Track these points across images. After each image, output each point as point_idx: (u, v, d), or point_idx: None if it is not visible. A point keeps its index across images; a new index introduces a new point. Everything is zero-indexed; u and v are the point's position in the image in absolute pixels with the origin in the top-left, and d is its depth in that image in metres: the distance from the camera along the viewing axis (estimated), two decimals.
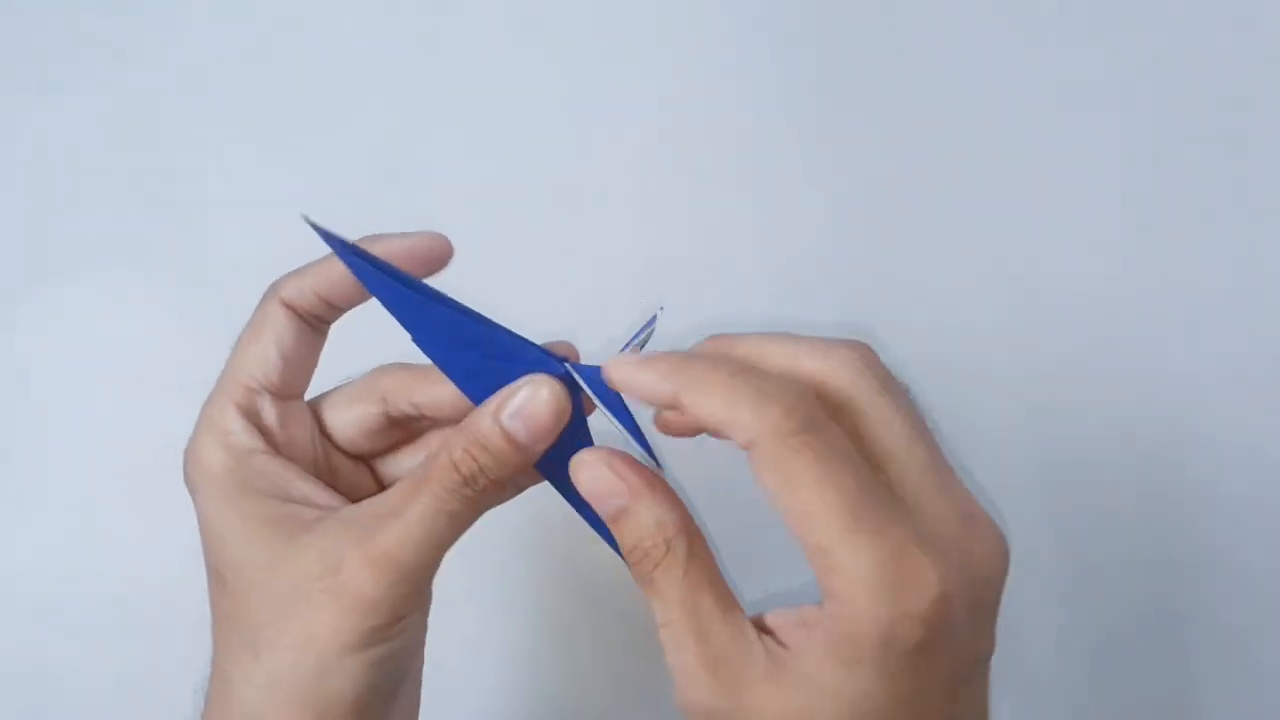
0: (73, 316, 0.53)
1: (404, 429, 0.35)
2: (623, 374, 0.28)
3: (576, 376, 0.30)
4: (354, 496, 0.32)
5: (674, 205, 0.55)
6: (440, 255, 0.33)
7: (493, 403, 0.29)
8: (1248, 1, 0.56)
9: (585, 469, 0.28)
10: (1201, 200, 0.55)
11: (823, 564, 0.25)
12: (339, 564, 0.28)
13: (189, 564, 0.52)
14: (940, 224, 0.55)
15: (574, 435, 0.30)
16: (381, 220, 0.58)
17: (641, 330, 0.31)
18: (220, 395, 0.32)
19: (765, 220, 0.56)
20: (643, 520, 0.28)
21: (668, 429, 0.30)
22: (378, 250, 0.32)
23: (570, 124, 0.56)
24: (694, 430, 0.29)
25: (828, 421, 0.26)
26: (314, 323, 0.33)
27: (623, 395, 0.30)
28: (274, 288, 0.33)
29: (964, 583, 0.25)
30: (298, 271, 0.33)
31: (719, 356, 0.29)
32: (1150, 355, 0.55)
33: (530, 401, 0.29)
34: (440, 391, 0.32)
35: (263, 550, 0.29)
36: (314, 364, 0.34)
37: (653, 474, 0.29)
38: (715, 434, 0.28)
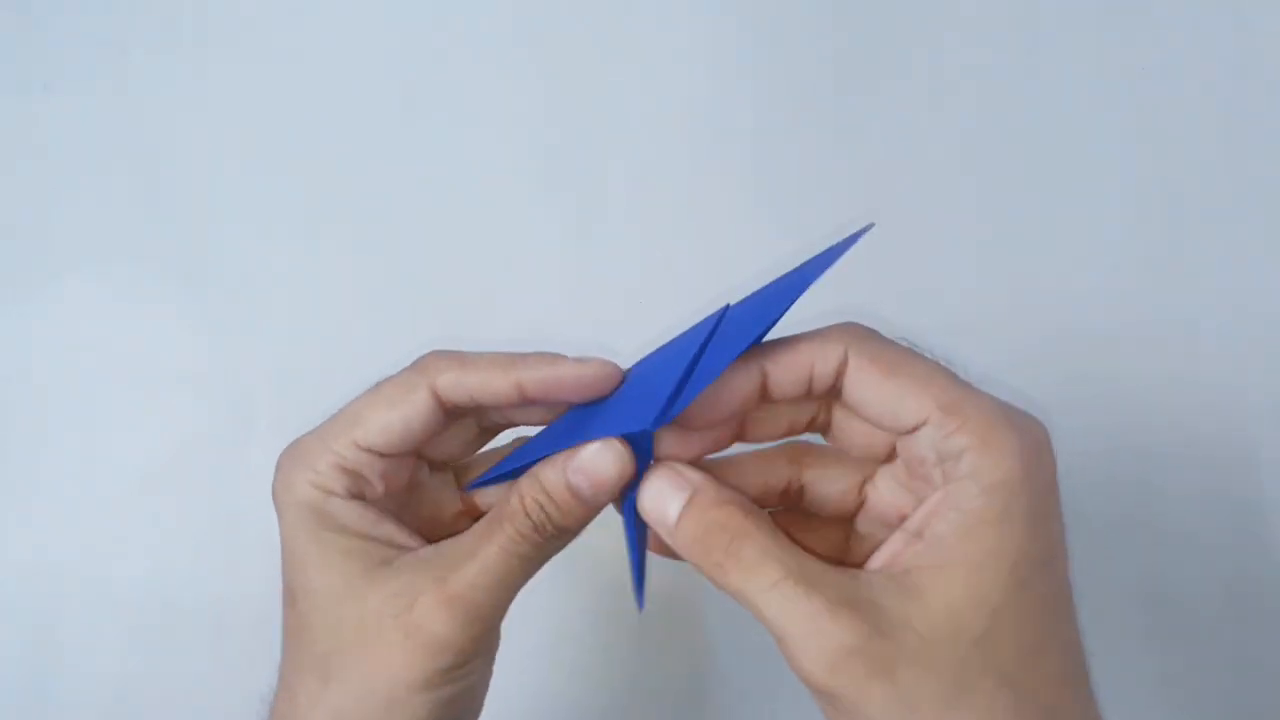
0: (73, 316, 0.53)
1: (477, 427, 0.34)
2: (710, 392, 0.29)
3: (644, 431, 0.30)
4: (438, 512, 0.33)
5: (674, 206, 0.55)
6: (607, 383, 0.31)
7: (562, 455, 0.30)
8: (1248, 2, 0.56)
9: (646, 485, 0.30)
10: (1205, 201, 0.55)
11: (952, 423, 0.26)
12: (413, 602, 0.29)
13: (189, 563, 0.52)
14: (942, 225, 0.55)
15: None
16: (380, 219, 0.59)
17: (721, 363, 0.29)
18: (328, 437, 0.31)
19: (765, 221, 0.55)
20: (712, 499, 0.29)
21: (749, 432, 0.32)
22: (553, 373, 0.30)
23: (571, 124, 0.56)
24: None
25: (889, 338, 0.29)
26: (455, 414, 0.32)
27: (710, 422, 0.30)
28: (432, 368, 0.31)
29: (1048, 437, 0.28)
30: (462, 361, 0.31)
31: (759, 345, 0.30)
32: (1151, 356, 0.55)
33: (594, 459, 0.29)
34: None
35: (338, 579, 0.30)
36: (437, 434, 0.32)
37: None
38: (800, 395, 0.29)
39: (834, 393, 0.29)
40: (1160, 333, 0.55)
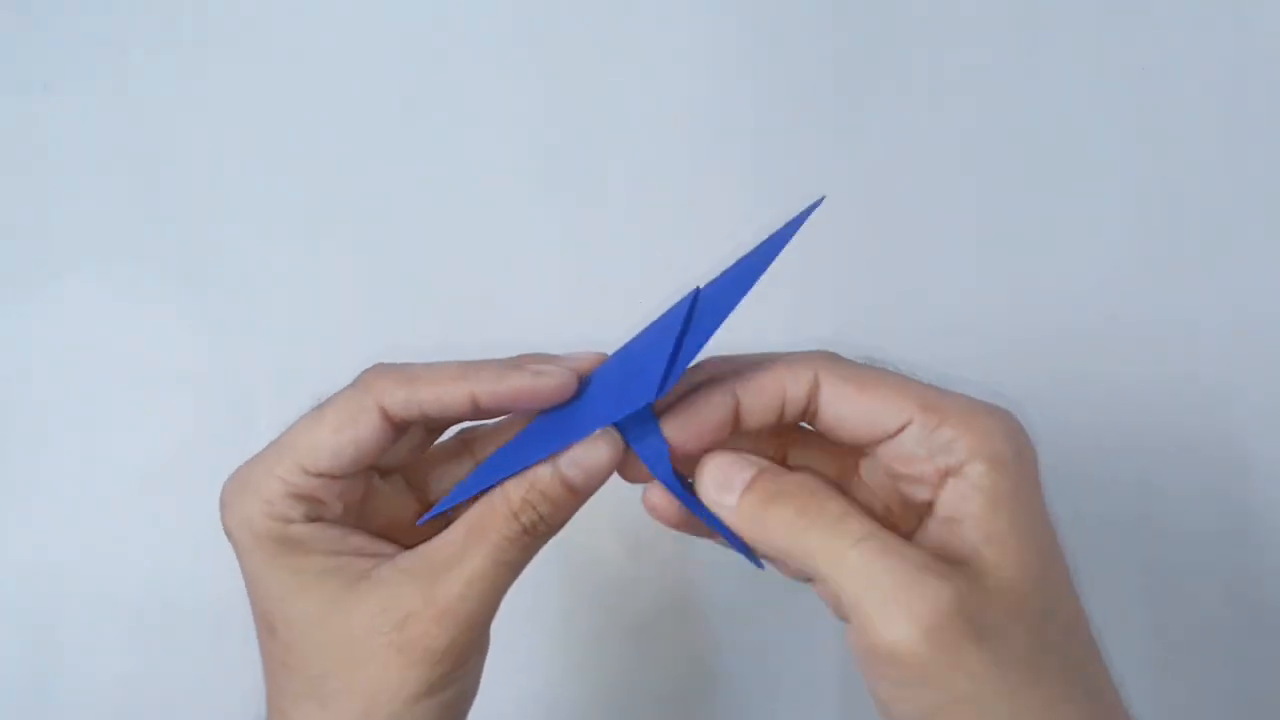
0: (73, 316, 0.53)
1: (424, 430, 0.34)
2: (694, 428, 0.30)
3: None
4: (395, 515, 0.32)
5: (674, 206, 0.55)
6: (563, 393, 0.31)
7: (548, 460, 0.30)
8: (1248, 2, 0.56)
9: (709, 465, 0.30)
10: (1204, 201, 0.55)
11: (935, 419, 0.28)
12: (404, 619, 0.29)
13: (189, 563, 0.52)
14: (941, 225, 0.55)
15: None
16: (380, 219, 0.58)
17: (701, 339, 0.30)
18: (274, 465, 0.30)
19: (765, 221, 0.55)
20: (779, 471, 0.29)
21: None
22: (507, 385, 0.30)
23: (571, 124, 0.56)
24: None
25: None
26: (405, 428, 0.31)
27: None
28: (378, 387, 0.30)
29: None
30: (411, 377, 0.30)
31: (723, 366, 0.31)
32: (1152, 357, 0.55)
33: (588, 451, 0.30)
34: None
35: (320, 602, 0.29)
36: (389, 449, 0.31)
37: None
38: (773, 421, 0.30)
39: (808, 415, 0.30)
40: (1159, 332, 0.55)
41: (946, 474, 0.28)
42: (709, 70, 0.56)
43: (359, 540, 0.31)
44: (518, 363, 0.31)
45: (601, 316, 0.54)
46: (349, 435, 0.29)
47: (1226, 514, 0.54)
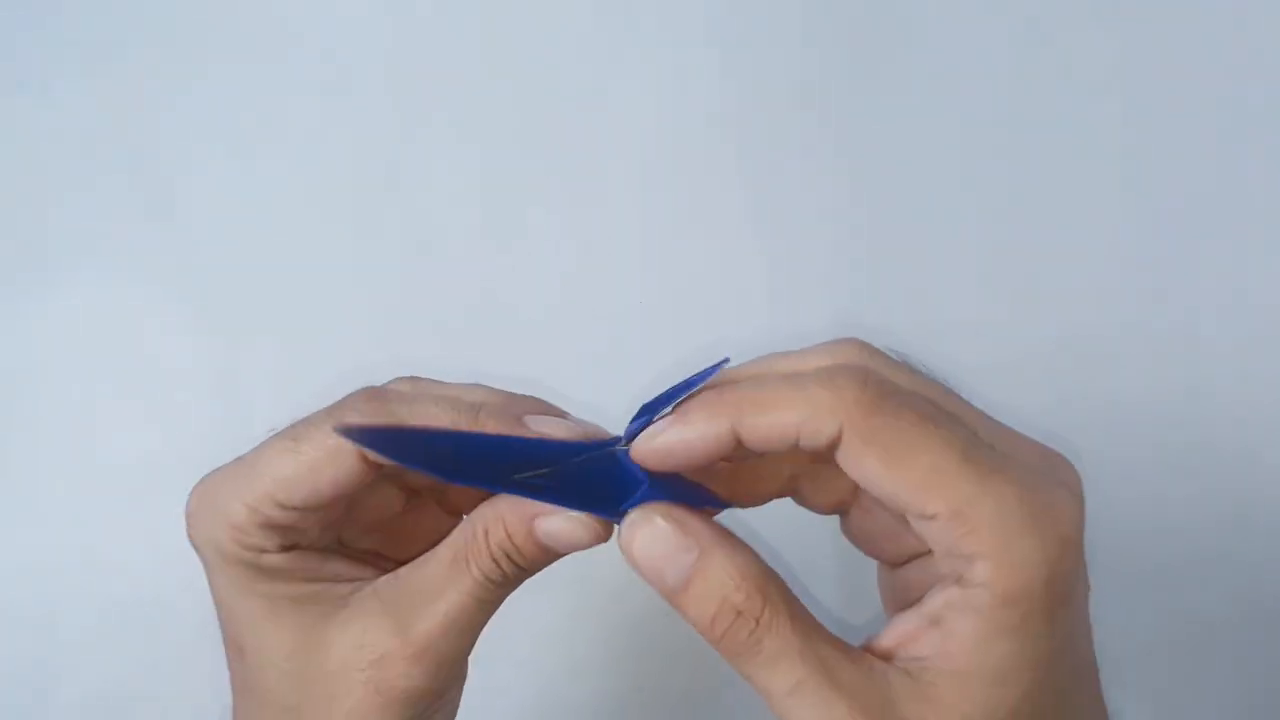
0: (73, 316, 0.53)
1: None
2: (666, 439, 0.25)
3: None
4: (382, 514, 0.31)
5: (675, 207, 0.55)
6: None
7: (531, 510, 0.27)
8: (1249, 2, 0.56)
9: (639, 530, 0.26)
10: (1206, 199, 0.55)
11: (962, 529, 0.23)
12: (380, 657, 0.27)
13: (188, 564, 0.52)
14: (943, 225, 0.55)
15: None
16: (380, 219, 0.58)
17: (697, 379, 0.27)
18: (243, 489, 0.28)
19: (767, 222, 0.55)
20: (725, 572, 0.25)
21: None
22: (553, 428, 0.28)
23: (571, 124, 0.56)
24: (750, 486, 0.28)
25: (896, 384, 0.25)
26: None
27: (674, 469, 0.26)
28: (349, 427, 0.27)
29: (1080, 504, 0.24)
30: (391, 414, 0.28)
31: (744, 378, 0.26)
32: (1153, 358, 0.55)
33: (568, 530, 0.27)
34: None
35: (294, 630, 0.28)
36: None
37: (716, 521, 0.26)
38: (780, 452, 0.25)
39: (823, 458, 0.25)
40: (1159, 333, 0.55)
41: (957, 578, 0.24)
42: (709, 71, 0.56)
43: (338, 565, 0.29)
44: (518, 412, 0.28)
45: (601, 316, 0.54)
46: (328, 476, 0.27)
47: (1232, 514, 0.54)
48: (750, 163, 0.56)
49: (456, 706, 0.32)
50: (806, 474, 0.30)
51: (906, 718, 0.24)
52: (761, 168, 0.55)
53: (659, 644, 0.53)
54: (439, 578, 0.28)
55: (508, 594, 0.29)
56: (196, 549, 0.29)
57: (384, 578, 0.29)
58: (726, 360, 0.27)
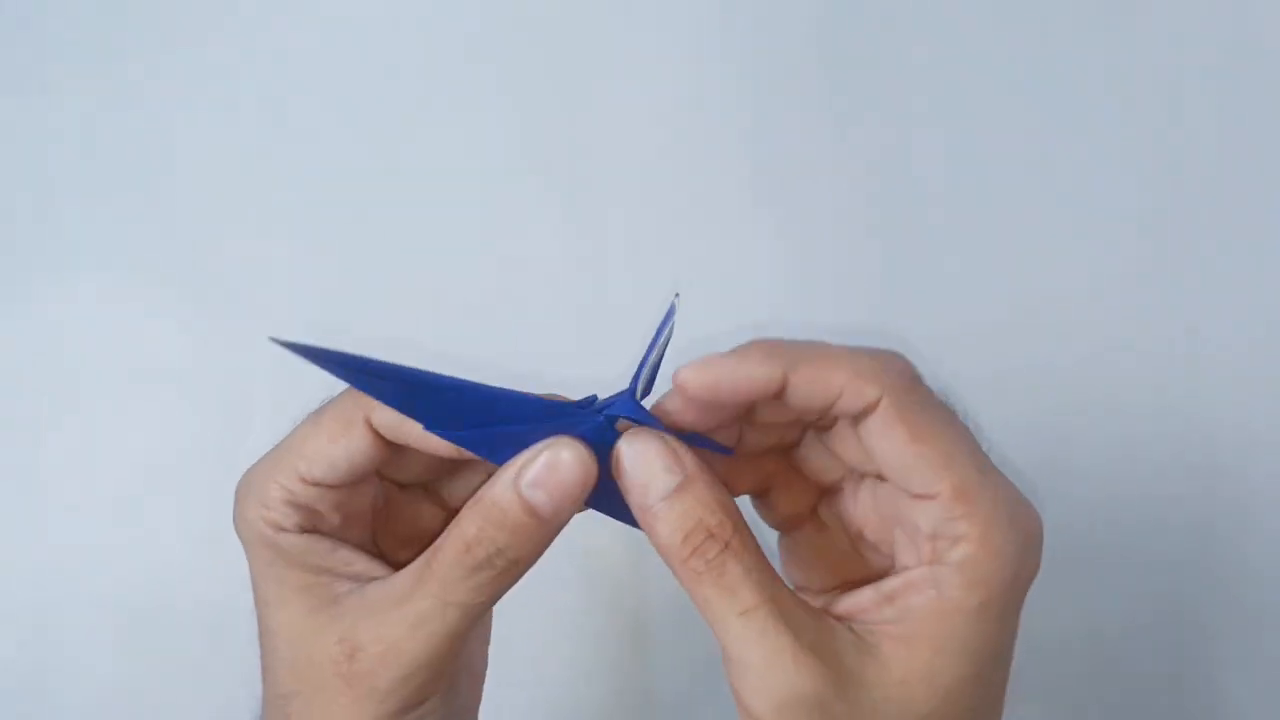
0: (73, 316, 0.53)
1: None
2: (714, 373, 0.26)
3: (627, 417, 0.27)
4: (417, 527, 0.31)
5: (673, 206, 0.55)
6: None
7: (510, 469, 0.26)
8: (1249, 1, 0.56)
9: (638, 440, 0.26)
10: (1212, 203, 0.55)
11: (960, 509, 0.25)
12: (353, 652, 0.28)
13: (188, 564, 0.52)
14: (948, 226, 0.55)
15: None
16: (380, 220, 0.58)
17: (664, 324, 0.28)
18: (275, 470, 0.29)
19: (766, 221, 0.55)
20: (705, 497, 0.26)
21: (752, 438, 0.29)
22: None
23: (572, 124, 0.56)
24: (782, 427, 0.29)
25: (928, 384, 0.28)
26: (399, 445, 0.29)
27: (705, 403, 0.27)
28: (365, 400, 0.28)
29: (1041, 533, 0.27)
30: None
31: (798, 341, 0.28)
32: (1155, 358, 0.55)
33: (552, 468, 0.26)
34: (429, 440, 0.28)
35: (293, 617, 0.29)
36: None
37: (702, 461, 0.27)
38: (815, 413, 0.27)
39: (852, 422, 0.27)
40: (1168, 335, 0.55)
41: (933, 558, 0.26)
42: (708, 70, 0.56)
43: (347, 556, 0.29)
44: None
45: (601, 316, 0.54)
46: (342, 447, 0.28)
47: (1234, 512, 0.54)
48: (750, 163, 0.56)
49: (463, 709, 0.31)
50: (781, 477, 0.31)
51: (848, 666, 0.26)
52: (761, 168, 0.55)
53: (672, 644, 0.53)
54: (409, 578, 0.28)
55: (490, 595, 0.28)
56: (237, 532, 0.30)
57: (375, 583, 0.29)
58: (677, 296, 0.28)
